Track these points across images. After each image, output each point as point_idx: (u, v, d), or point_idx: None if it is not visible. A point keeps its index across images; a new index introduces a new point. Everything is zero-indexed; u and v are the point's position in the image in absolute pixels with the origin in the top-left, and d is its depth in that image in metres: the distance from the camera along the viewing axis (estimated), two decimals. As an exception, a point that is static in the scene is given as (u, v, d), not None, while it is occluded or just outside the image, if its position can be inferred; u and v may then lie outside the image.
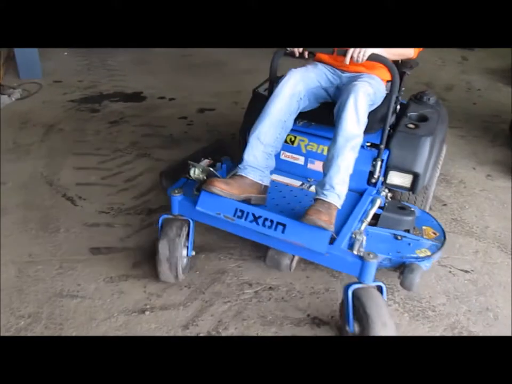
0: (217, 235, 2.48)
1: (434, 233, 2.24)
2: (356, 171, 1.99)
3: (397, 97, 2.27)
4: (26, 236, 2.49)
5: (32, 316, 2.01)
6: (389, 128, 2.17)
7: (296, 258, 2.13)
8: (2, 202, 2.73)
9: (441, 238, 2.18)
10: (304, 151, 2.28)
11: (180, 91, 4.68)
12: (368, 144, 2.22)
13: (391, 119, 2.17)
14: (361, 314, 1.70)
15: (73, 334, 1.92)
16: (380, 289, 1.80)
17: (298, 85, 2.04)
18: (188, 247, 2.15)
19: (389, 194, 2.34)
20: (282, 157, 2.31)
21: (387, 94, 2.23)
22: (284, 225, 1.80)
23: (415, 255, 2.02)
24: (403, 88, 2.41)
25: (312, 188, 2.20)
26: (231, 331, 1.97)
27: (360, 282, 1.77)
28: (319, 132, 2.26)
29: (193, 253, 2.21)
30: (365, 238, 1.87)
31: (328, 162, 1.91)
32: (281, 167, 2.28)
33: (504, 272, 2.40)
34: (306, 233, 1.77)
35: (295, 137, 2.28)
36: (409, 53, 2.20)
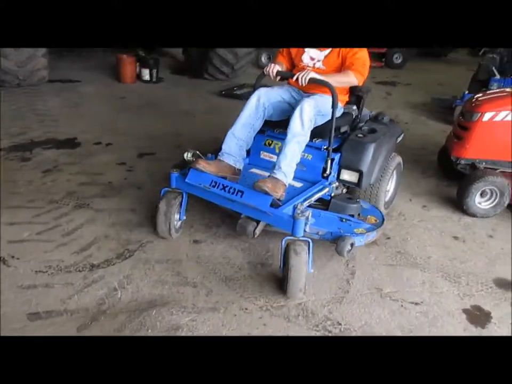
0: (168, 285, 2.39)
1: (376, 220, 2.85)
2: (313, 167, 2.77)
3: (356, 116, 3.02)
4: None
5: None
6: (345, 136, 2.88)
7: (259, 227, 2.64)
8: None
9: (379, 223, 2.80)
10: (277, 151, 2.82)
11: (117, 135, 4.56)
12: (325, 147, 2.77)
13: (347, 130, 2.93)
14: (286, 262, 2.30)
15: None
16: (307, 244, 2.35)
17: (262, 98, 2.73)
18: (180, 213, 2.82)
19: (344, 190, 2.95)
20: (261, 156, 2.90)
21: (345, 112, 2.94)
22: (242, 192, 2.49)
23: (352, 232, 2.62)
24: (367, 110, 3.18)
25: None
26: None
27: (292, 235, 2.35)
28: None
29: (184, 217, 2.85)
30: (309, 212, 2.41)
31: (280, 151, 2.58)
32: (260, 163, 2.88)
33: (451, 301, 2.49)
34: (256, 197, 2.44)
35: (272, 141, 2.90)
36: (353, 81, 2.74)
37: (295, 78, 2.59)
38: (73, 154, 4.07)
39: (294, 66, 2.97)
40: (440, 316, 2.38)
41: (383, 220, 2.85)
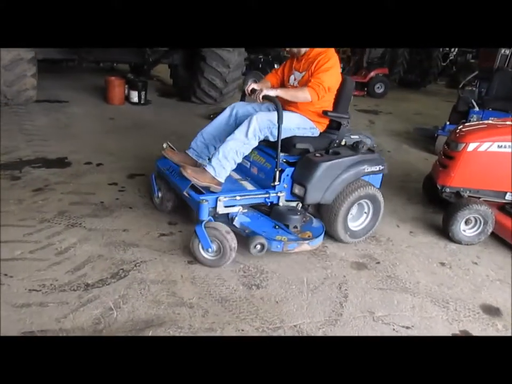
0: (164, 305, 2.38)
1: (309, 236, 3.03)
2: (270, 175, 3.05)
3: (333, 140, 3.20)
4: None
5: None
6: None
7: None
8: None
9: (307, 239, 2.98)
10: (251, 159, 3.25)
11: (107, 155, 4.57)
12: (284, 160, 3.09)
13: (310, 149, 3.13)
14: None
15: None
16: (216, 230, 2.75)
17: (235, 108, 3.24)
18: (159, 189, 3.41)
19: (300, 205, 3.15)
20: (241, 162, 3.11)
21: (321, 134, 3.26)
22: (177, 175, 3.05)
23: (273, 237, 2.89)
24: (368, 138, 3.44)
25: (244, 182, 3.22)
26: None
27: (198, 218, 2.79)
28: (265, 150, 3.19)
29: (160, 194, 3.40)
30: (239, 208, 2.93)
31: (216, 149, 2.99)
32: (238, 167, 3.11)
33: (440, 326, 2.55)
34: (183, 181, 2.92)
35: (253, 151, 3.13)
36: (306, 96, 2.99)
37: (253, 95, 3.02)
38: (64, 173, 4.05)
39: (283, 86, 3.33)
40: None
41: (318, 238, 3.04)
